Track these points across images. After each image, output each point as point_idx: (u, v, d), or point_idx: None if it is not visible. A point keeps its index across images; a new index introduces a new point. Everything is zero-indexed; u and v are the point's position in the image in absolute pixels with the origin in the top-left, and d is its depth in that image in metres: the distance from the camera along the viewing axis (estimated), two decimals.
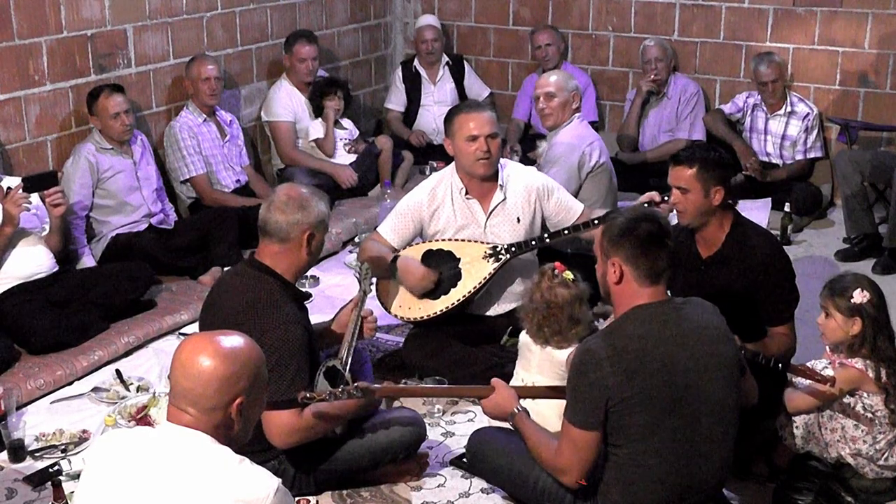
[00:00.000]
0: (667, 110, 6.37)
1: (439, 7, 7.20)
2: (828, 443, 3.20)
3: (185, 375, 2.10)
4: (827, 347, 3.28)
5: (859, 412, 3.14)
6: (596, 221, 3.89)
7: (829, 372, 3.05)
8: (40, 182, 4.19)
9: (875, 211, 5.55)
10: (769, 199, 5.81)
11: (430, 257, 4.01)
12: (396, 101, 6.92)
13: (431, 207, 4.05)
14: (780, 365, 3.05)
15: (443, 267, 3.99)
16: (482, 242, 3.99)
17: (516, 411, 2.94)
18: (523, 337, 3.41)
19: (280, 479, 2.10)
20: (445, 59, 6.89)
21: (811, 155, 6.10)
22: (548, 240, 4.01)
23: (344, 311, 3.54)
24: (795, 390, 3.24)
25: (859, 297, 3.10)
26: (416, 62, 6.87)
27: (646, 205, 3.76)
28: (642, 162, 6.32)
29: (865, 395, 3.13)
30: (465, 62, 7.02)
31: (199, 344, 2.14)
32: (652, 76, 6.26)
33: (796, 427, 3.24)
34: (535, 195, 4.06)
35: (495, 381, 3.04)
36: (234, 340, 2.15)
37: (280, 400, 2.92)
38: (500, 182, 4.02)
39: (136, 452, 2.11)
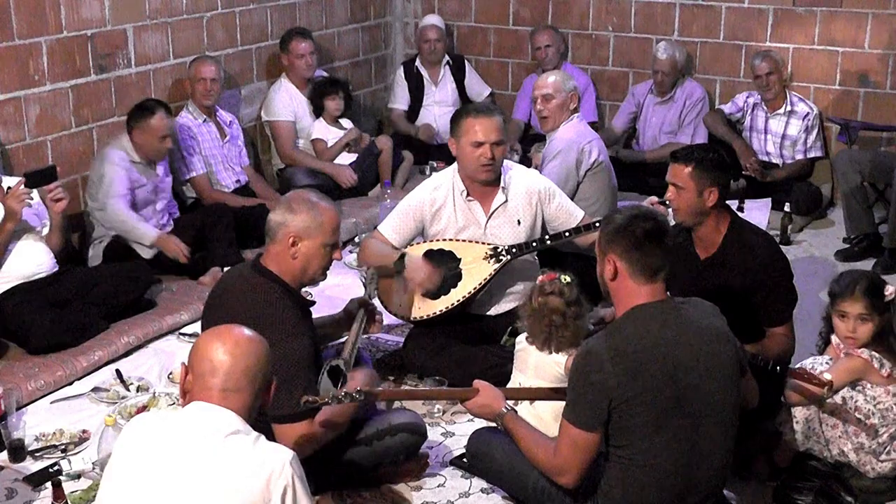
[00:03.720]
0: (671, 112, 6.38)
1: (439, 7, 7.20)
2: (828, 440, 3.20)
3: (245, 356, 2.24)
4: (833, 338, 3.29)
5: (861, 405, 3.14)
6: (598, 224, 3.89)
7: (827, 376, 3.05)
8: (41, 177, 4.17)
9: (875, 211, 5.55)
10: (769, 199, 5.82)
11: (430, 257, 4.01)
12: (401, 100, 6.90)
13: (433, 207, 4.05)
14: (778, 368, 3.05)
15: (443, 267, 3.99)
16: (483, 243, 3.99)
17: (504, 411, 2.94)
18: (520, 342, 3.40)
19: (293, 451, 2.24)
20: (447, 58, 6.89)
21: (811, 155, 6.11)
22: (549, 241, 4.01)
23: (354, 302, 3.61)
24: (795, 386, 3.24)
25: (889, 291, 3.15)
26: (417, 62, 6.87)
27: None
28: (641, 161, 6.34)
29: (869, 386, 3.13)
30: (466, 62, 7.02)
31: (229, 331, 2.30)
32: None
33: (796, 423, 3.24)
34: (537, 198, 4.06)
35: (478, 382, 3.02)
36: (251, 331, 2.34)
37: (293, 413, 2.92)
38: (502, 185, 4.02)
39: (163, 431, 2.21)
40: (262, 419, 2.91)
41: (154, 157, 4.86)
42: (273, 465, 2.16)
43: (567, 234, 3.99)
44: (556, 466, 2.74)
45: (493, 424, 3.21)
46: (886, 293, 3.16)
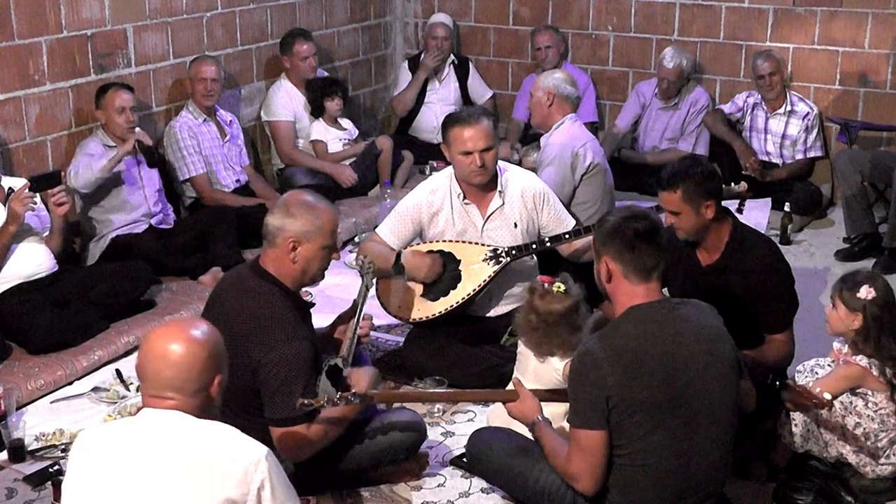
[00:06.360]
0: (674, 119, 6.37)
1: (439, 7, 7.20)
2: (827, 441, 3.20)
3: (167, 364, 2.21)
4: (834, 344, 3.29)
5: (862, 410, 3.13)
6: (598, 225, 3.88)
7: (827, 396, 3.05)
8: (45, 182, 4.20)
9: (875, 211, 5.55)
10: (769, 199, 5.82)
11: None
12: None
13: (430, 210, 4.05)
14: (777, 383, 3.05)
15: (443, 259, 3.99)
16: (483, 245, 3.99)
17: (538, 420, 2.94)
18: (522, 345, 3.39)
19: (268, 448, 2.22)
20: (452, 57, 6.89)
21: (811, 154, 6.11)
22: (549, 244, 4.01)
23: (343, 318, 3.54)
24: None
25: (865, 292, 3.10)
26: (422, 59, 6.85)
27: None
28: (642, 163, 6.33)
29: (870, 393, 3.13)
30: (470, 63, 7.02)
31: (173, 333, 2.26)
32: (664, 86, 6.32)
33: (795, 425, 3.24)
34: (532, 201, 4.05)
35: (520, 389, 3.02)
36: (201, 325, 2.31)
37: (290, 417, 2.92)
38: (498, 188, 4.02)
39: (127, 440, 2.20)
40: (256, 421, 2.92)
41: (120, 133, 4.81)
42: (248, 459, 2.17)
43: (567, 235, 3.99)
44: (570, 474, 2.74)
45: (494, 424, 3.24)
46: (859, 293, 3.13)
